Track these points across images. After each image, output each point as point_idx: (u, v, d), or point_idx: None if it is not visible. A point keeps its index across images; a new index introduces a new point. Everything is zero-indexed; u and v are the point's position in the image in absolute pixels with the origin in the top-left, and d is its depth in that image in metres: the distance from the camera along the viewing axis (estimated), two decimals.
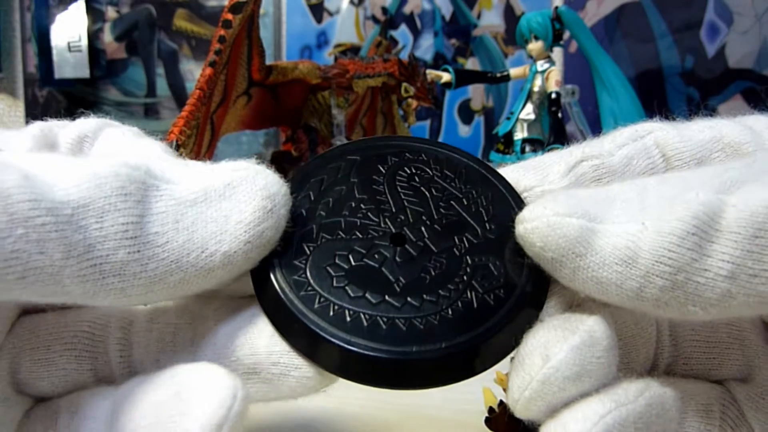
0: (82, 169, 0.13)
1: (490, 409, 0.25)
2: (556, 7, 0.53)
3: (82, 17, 1.14)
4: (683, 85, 0.88)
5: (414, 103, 0.63)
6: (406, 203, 0.17)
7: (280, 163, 0.58)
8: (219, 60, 0.43)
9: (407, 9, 1.15)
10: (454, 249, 0.16)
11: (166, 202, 0.14)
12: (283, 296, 0.15)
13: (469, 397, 0.30)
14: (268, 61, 0.51)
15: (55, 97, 1.12)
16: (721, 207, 0.13)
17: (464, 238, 0.16)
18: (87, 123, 0.19)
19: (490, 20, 1.15)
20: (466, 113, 1.14)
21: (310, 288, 0.15)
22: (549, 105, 0.59)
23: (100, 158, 0.14)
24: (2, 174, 0.11)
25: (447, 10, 1.10)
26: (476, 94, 1.14)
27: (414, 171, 0.18)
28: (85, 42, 1.14)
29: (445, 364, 0.15)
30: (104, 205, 0.12)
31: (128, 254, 0.13)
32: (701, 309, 0.13)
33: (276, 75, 0.51)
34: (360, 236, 0.16)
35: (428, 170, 0.18)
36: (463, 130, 1.08)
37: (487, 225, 0.17)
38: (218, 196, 0.14)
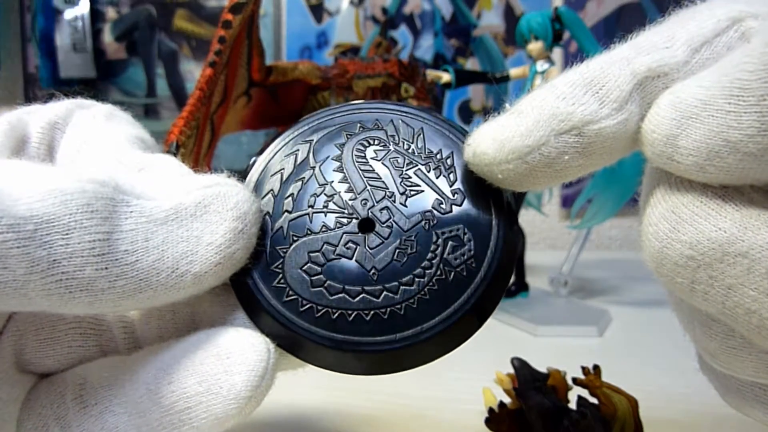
0: (48, 183, 0.13)
1: (490, 410, 0.25)
2: (556, 8, 0.53)
3: (87, 18, 1.14)
4: None
5: (414, 104, 0.63)
6: (368, 183, 0.17)
7: None
8: (219, 60, 0.43)
9: (407, 9, 1.15)
10: (423, 224, 0.16)
11: (136, 219, 0.13)
12: (266, 305, 0.16)
13: (469, 397, 0.30)
14: (268, 61, 0.51)
15: (55, 98, 1.12)
16: None
17: (431, 212, 0.16)
18: (57, 108, 0.18)
19: (490, 20, 1.15)
20: (466, 113, 1.14)
21: (291, 293, 0.16)
22: None
23: (68, 170, 0.14)
24: None
25: (447, 11, 1.10)
26: (476, 94, 1.14)
27: (371, 143, 0.18)
28: (90, 42, 1.14)
29: (425, 345, 0.16)
30: (69, 222, 0.12)
31: (96, 271, 0.13)
32: None
33: (276, 75, 0.51)
34: (329, 229, 0.16)
35: (385, 140, 0.18)
36: None
37: (451, 191, 0.17)
38: (189, 215, 0.14)
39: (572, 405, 0.24)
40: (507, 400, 0.26)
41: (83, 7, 1.14)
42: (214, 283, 0.15)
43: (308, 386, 0.32)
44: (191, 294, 0.15)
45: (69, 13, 1.14)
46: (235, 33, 0.44)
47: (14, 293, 0.12)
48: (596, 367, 0.25)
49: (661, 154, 0.14)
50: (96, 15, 1.17)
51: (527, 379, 0.25)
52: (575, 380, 0.25)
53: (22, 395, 0.16)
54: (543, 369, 0.26)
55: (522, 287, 0.57)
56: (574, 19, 0.53)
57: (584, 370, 0.25)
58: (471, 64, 1.05)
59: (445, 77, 0.59)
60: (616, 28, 1.09)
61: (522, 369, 0.26)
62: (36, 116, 0.18)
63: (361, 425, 0.28)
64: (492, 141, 0.15)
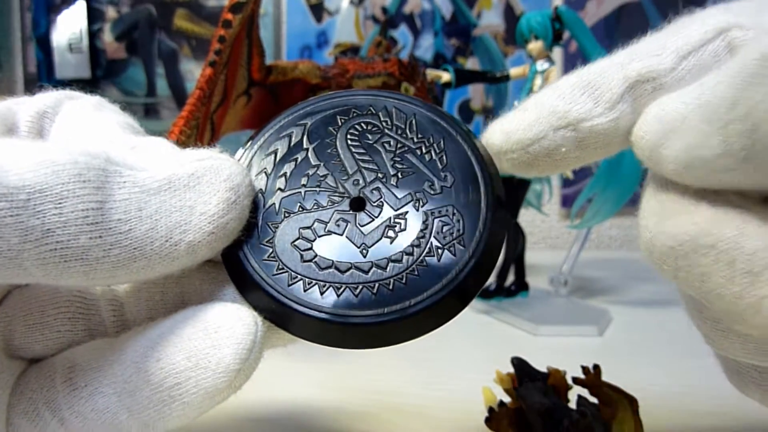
0: (39, 155, 0.13)
1: (490, 409, 0.25)
2: (556, 7, 0.53)
3: (83, 18, 1.14)
4: None
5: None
6: (360, 164, 0.17)
7: None
8: (219, 60, 0.43)
9: (407, 9, 1.15)
10: (413, 205, 0.17)
11: (129, 189, 0.14)
12: (256, 279, 0.16)
13: (469, 396, 0.30)
14: (268, 61, 0.51)
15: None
16: None
17: (421, 192, 0.17)
18: (45, 98, 0.18)
19: (490, 20, 1.15)
20: (466, 113, 1.14)
21: (281, 267, 0.16)
22: None
23: (59, 144, 0.14)
24: None
25: (447, 10, 1.10)
26: (476, 94, 1.14)
27: (364, 127, 0.18)
28: (86, 42, 1.14)
29: (413, 320, 0.16)
30: (62, 191, 0.13)
31: (90, 239, 0.13)
32: None
33: (276, 75, 0.51)
34: (321, 207, 0.17)
35: (378, 124, 0.18)
36: None
37: (442, 173, 0.17)
38: (183, 185, 0.14)
39: (572, 405, 0.24)
40: (507, 399, 0.26)
41: (80, 8, 1.14)
42: (207, 255, 0.15)
43: (306, 385, 0.33)
44: (185, 265, 0.15)
45: (65, 14, 1.14)
46: (235, 33, 0.44)
47: (9, 263, 0.12)
48: (596, 367, 0.25)
49: (648, 158, 0.15)
50: (94, 15, 1.17)
51: (527, 379, 0.25)
52: (575, 380, 0.25)
53: (12, 381, 0.16)
54: (543, 369, 0.26)
55: (522, 287, 0.57)
56: (574, 19, 0.53)
57: (584, 369, 0.25)
58: (471, 63, 1.05)
59: (445, 77, 0.59)
60: (616, 28, 1.09)
61: (522, 368, 0.26)
62: (25, 106, 0.18)
63: (360, 424, 0.28)
64: (500, 133, 0.17)
